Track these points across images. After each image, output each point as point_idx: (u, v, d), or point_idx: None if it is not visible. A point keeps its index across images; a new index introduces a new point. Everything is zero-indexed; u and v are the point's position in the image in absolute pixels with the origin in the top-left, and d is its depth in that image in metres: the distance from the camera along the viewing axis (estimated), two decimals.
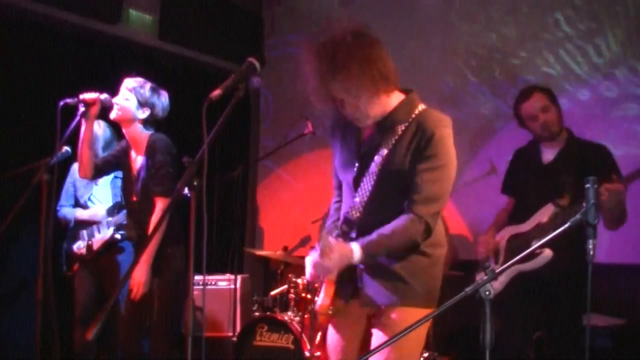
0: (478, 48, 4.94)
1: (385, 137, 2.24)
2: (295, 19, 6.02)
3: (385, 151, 2.22)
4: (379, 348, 1.99)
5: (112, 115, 3.41)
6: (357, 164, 2.30)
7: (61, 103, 3.19)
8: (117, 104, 3.38)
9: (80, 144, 3.44)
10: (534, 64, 4.64)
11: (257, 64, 2.12)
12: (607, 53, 4.37)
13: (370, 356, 2.11)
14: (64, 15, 4.69)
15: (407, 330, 1.85)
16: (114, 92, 3.47)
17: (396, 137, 2.22)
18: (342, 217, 2.39)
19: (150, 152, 3.38)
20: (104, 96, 3.35)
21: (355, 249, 2.16)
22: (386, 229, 2.18)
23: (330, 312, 2.28)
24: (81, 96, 3.32)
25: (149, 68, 5.26)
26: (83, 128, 3.39)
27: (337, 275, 2.27)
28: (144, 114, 3.41)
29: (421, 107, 2.27)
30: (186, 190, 2.06)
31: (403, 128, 2.20)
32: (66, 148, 3.27)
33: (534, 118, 3.25)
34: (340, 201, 2.51)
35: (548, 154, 3.31)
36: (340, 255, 2.16)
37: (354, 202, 2.27)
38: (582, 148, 3.27)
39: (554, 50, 4.57)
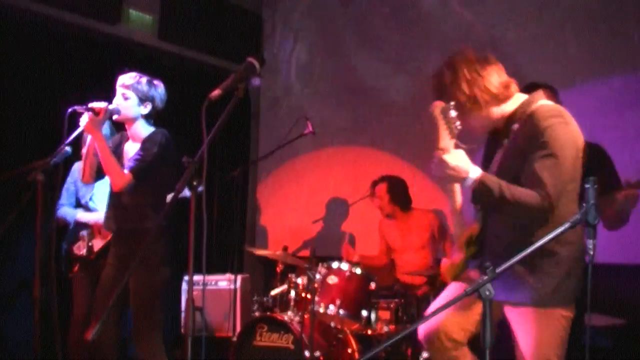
0: (480, 46, 4.93)
1: (500, 140, 2.41)
2: (295, 19, 6.02)
3: (500, 152, 2.39)
4: (375, 350, 1.97)
5: (115, 117, 3.40)
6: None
7: (69, 110, 3.18)
8: (118, 105, 3.38)
9: (85, 151, 3.43)
10: (536, 64, 4.63)
11: (257, 64, 2.12)
12: (616, 52, 4.35)
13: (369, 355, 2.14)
14: (64, 15, 4.69)
15: (404, 332, 1.85)
16: (114, 92, 3.47)
17: (510, 137, 2.36)
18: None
19: (144, 141, 3.37)
20: (113, 106, 3.34)
21: (476, 169, 2.30)
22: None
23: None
24: (90, 105, 3.31)
25: (149, 68, 5.26)
26: (89, 137, 3.37)
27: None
28: (145, 109, 3.41)
29: (539, 103, 2.35)
30: (186, 192, 2.06)
31: (516, 127, 2.34)
32: (66, 148, 3.26)
33: None
34: None
35: None
36: (463, 159, 2.30)
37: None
38: None
39: (558, 50, 4.56)
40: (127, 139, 3.52)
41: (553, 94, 3.26)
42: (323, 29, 5.82)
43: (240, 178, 4.54)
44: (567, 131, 2.27)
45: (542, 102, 2.35)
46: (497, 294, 2.20)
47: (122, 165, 3.38)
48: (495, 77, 2.36)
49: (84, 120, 3.27)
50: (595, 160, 3.18)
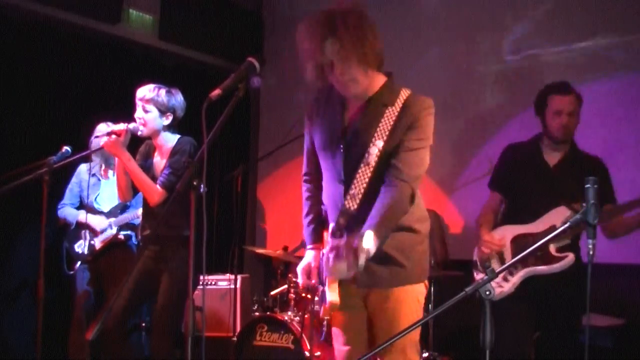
0: (479, 46, 4.94)
1: (375, 123, 2.28)
2: (295, 19, 6.01)
3: (381, 143, 2.25)
4: (383, 345, 2.01)
5: (139, 132, 3.41)
6: (342, 147, 2.32)
7: (92, 139, 3.49)
8: (139, 119, 3.39)
9: (116, 172, 3.49)
10: (538, 63, 4.63)
11: (257, 64, 2.12)
12: (623, 55, 4.34)
13: (374, 353, 2.16)
14: (64, 15, 4.69)
15: (409, 329, 1.92)
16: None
17: (389, 126, 2.26)
18: (332, 207, 2.39)
19: (173, 152, 3.42)
20: (132, 125, 3.38)
21: (369, 242, 2.09)
22: (382, 207, 2.20)
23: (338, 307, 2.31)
24: (110, 129, 3.39)
25: (149, 68, 5.27)
26: (116, 159, 3.43)
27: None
28: (167, 120, 3.42)
29: (405, 91, 2.33)
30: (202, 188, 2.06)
31: (394, 117, 2.26)
32: (66, 148, 3.27)
33: (559, 114, 3.19)
34: (313, 189, 2.54)
35: (551, 157, 3.26)
36: (355, 257, 2.08)
37: (351, 193, 2.27)
38: (583, 158, 3.26)
39: (562, 48, 4.56)
40: (155, 150, 3.53)
41: (579, 106, 3.25)
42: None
43: (240, 178, 4.54)
44: (433, 125, 2.32)
45: (407, 90, 2.34)
46: (378, 283, 2.27)
47: (153, 177, 3.42)
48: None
49: (103, 140, 3.34)
50: (598, 172, 3.18)
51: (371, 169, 2.26)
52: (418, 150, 2.27)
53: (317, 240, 2.49)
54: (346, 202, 2.28)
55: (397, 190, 2.22)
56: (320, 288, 2.44)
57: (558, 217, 3.08)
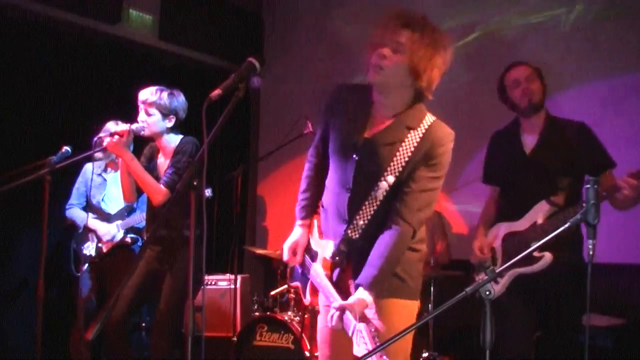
0: (477, 46, 4.94)
1: (394, 146, 2.26)
2: (295, 19, 6.02)
3: (392, 179, 2.25)
4: (377, 349, 2.00)
5: (142, 132, 3.41)
6: (356, 157, 2.30)
7: (95, 139, 3.36)
8: (143, 122, 3.40)
9: (120, 173, 3.50)
10: (538, 60, 4.63)
11: (257, 64, 2.12)
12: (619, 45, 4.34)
13: (370, 356, 2.14)
14: (64, 15, 4.70)
15: (408, 330, 1.93)
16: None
17: (405, 157, 2.25)
18: (333, 213, 2.38)
19: (175, 152, 3.43)
20: (135, 126, 3.38)
21: (368, 298, 2.17)
22: (382, 254, 2.22)
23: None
24: (112, 130, 3.40)
25: (149, 68, 5.28)
26: (119, 160, 3.44)
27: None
28: (170, 122, 3.43)
29: (430, 117, 2.31)
30: (208, 193, 2.06)
31: (414, 145, 2.25)
32: (66, 148, 3.27)
33: (517, 83, 3.17)
34: (315, 169, 2.54)
35: (529, 140, 3.19)
36: (359, 309, 2.16)
37: (355, 223, 2.29)
38: (562, 129, 3.17)
39: (559, 45, 4.55)
40: (159, 151, 3.53)
41: (538, 73, 3.21)
42: (323, 28, 5.83)
43: (240, 178, 4.54)
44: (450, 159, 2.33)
45: (432, 116, 2.32)
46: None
47: (157, 178, 3.42)
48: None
49: (106, 141, 3.34)
50: (584, 139, 3.15)
51: (377, 203, 2.27)
52: (431, 192, 2.27)
53: (308, 217, 2.51)
54: (349, 231, 2.30)
55: (400, 235, 2.23)
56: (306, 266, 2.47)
57: (539, 214, 3.04)
